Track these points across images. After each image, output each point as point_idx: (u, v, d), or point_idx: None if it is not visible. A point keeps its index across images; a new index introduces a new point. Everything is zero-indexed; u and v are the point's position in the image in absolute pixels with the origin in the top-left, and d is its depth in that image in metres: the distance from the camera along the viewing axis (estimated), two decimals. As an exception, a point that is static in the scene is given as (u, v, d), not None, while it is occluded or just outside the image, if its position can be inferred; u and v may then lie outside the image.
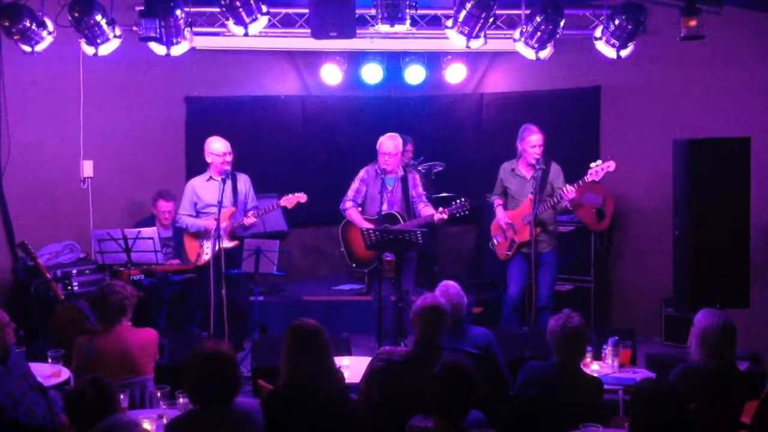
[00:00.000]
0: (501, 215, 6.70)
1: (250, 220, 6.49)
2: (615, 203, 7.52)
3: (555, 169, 6.59)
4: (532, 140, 6.48)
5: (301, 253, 8.94)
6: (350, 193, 6.84)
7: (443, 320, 4.31)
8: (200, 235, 6.57)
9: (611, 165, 6.26)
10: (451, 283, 4.96)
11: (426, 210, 6.64)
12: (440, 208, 6.55)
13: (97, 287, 6.71)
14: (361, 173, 6.85)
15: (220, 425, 3.50)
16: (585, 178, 6.31)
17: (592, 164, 6.31)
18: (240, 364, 6.25)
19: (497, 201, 6.79)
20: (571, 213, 7.33)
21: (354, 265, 7.00)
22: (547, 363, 4.24)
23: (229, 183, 6.41)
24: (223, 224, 6.29)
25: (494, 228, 6.82)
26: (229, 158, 6.48)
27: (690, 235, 6.06)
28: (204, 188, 6.61)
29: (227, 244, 6.36)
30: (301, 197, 6.54)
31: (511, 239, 6.66)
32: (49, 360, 4.90)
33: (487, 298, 7.81)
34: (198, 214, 6.61)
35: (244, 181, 6.64)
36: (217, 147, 6.51)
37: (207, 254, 6.46)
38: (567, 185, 6.39)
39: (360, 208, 6.81)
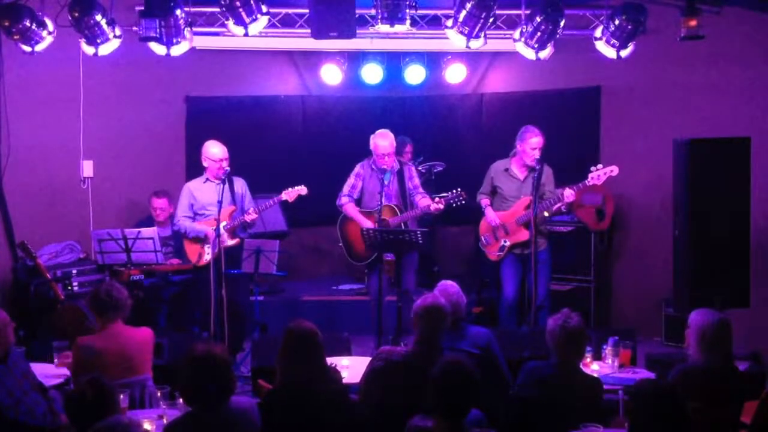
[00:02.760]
0: (492, 216, 6.66)
1: (251, 216, 6.45)
2: (615, 203, 7.53)
3: (548, 171, 6.55)
4: (533, 142, 6.45)
5: (301, 253, 8.93)
6: (346, 188, 6.85)
7: (443, 320, 4.31)
8: (200, 239, 6.56)
9: (614, 170, 6.20)
10: (449, 282, 4.96)
11: (423, 201, 6.65)
12: (436, 198, 6.55)
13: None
14: (357, 168, 6.86)
15: (216, 426, 3.50)
16: (585, 181, 6.27)
17: (593, 168, 6.29)
18: (240, 364, 6.34)
19: (485, 201, 6.76)
20: (570, 213, 7.32)
21: (352, 260, 7.00)
22: (547, 363, 4.24)
23: (226, 185, 6.38)
24: (224, 223, 6.28)
25: (483, 228, 6.79)
26: (225, 164, 6.42)
27: (690, 235, 6.06)
28: (200, 190, 6.57)
29: (229, 242, 6.35)
30: (302, 190, 6.49)
31: (502, 240, 6.64)
32: (54, 354, 4.91)
33: (487, 298, 7.81)
34: (195, 215, 6.59)
35: (240, 185, 6.62)
36: (214, 152, 6.47)
37: (209, 254, 6.43)
38: (567, 188, 6.35)
39: (357, 203, 6.83)
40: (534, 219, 6.25)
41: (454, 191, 6.47)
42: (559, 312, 4.27)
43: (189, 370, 3.54)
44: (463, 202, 6.48)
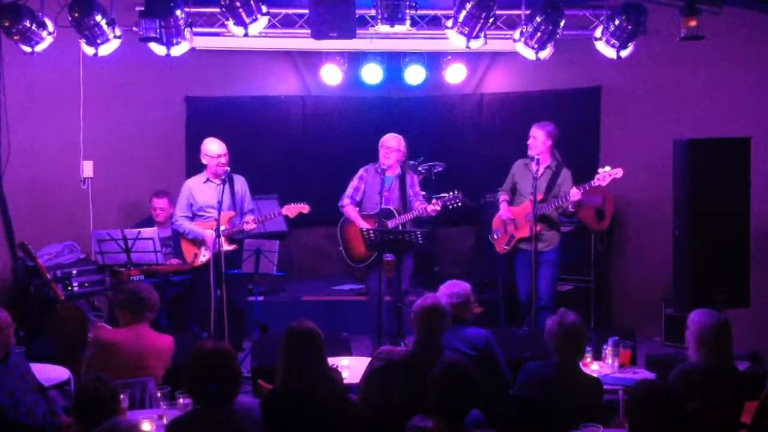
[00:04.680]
0: (504, 210, 6.73)
1: (249, 225, 6.50)
2: (615, 203, 7.52)
3: (565, 173, 6.59)
4: (530, 134, 6.53)
5: (301, 253, 8.93)
6: (349, 190, 6.87)
7: (443, 320, 4.31)
8: (198, 241, 6.56)
9: (619, 172, 6.23)
10: (459, 281, 4.93)
11: (419, 205, 6.69)
12: (433, 200, 6.58)
13: (97, 287, 6.81)
14: (361, 172, 6.89)
15: (221, 424, 3.50)
16: (591, 182, 6.29)
17: (600, 169, 6.31)
18: (240, 364, 6.33)
19: (503, 196, 6.81)
20: (573, 215, 7.31)
21: (352, 262, 7.01)
22: (547, 363, 4.24)
23: (227, 185, 6.39)
24: (222, 227, 6.27)
25: (496, 222, 6.85)
26: (224, 160, 6.46)
27: (690, 235, 6.06)
28: (200, 190, 6.59)
29: (226, 247, 6.33)
30: (304, 208, 6.54)
31: (511, 234, 6.67)
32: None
33: (487, 298, 7.80)
34: (194, 216, 6.60)
35: (241, 184, 6.63)
36: (212, 148, 6.50)
37: (204, 256, 6.46)
38: (573, 187, 6.38)
39: (358, 206, 6.84)
40: (534, 219, 6.25)
41: (451, 193, 6.50)
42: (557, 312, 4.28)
43: (196, 368, 3.54)
44: (459, 204, 6.52)
